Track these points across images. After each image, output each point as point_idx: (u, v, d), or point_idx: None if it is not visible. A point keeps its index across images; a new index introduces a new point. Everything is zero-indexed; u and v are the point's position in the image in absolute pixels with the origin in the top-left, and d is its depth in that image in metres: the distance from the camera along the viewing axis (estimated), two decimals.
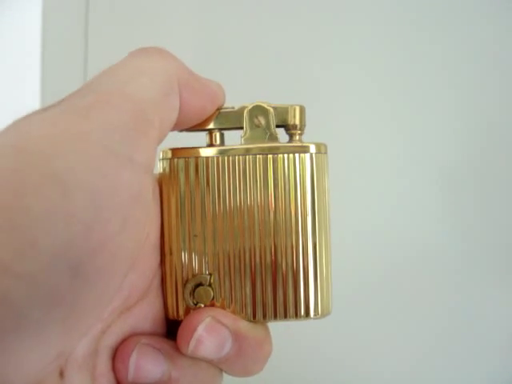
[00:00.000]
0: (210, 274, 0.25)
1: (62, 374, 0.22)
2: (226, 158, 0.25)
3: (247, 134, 0.25)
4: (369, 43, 0.53)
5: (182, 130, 0.26)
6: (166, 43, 0.25)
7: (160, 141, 0.23)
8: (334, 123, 0.51)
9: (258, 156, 0.24)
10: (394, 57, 0.52)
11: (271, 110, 0.25)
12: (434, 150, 0.52)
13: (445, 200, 0.52)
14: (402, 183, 0.52)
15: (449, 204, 0.52)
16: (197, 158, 0.25)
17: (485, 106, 0.52)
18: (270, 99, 0.26)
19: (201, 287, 0.24)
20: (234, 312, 0.24)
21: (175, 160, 0.25)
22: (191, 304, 0.25)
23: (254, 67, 0.53)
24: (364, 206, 0.52)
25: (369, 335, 0.52)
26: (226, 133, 0.26)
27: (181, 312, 0.25)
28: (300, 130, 0.25)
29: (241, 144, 0.25)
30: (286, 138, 0.26)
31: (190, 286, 0.25)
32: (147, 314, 0.25)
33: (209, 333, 0.23)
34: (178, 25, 0.54)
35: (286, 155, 0.24)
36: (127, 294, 0.24)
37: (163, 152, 0.25)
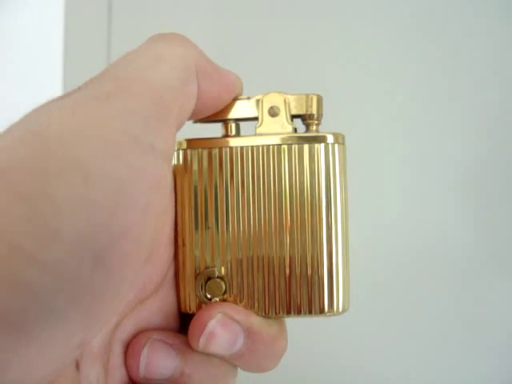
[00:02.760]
0: (222, 268, 0.24)
1: (77, 366, 0.22)
2: (239, 149, 0.24)
3: (262, 125, 0.24)
4: (388, 37, 0.52)
5: (197, 121, 0.25)
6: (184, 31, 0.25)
7: (178, 128, 0.22)
8: (350, 116, 0.51)
9: (271, 146, 0.24)
10: (413, 50, 0.52)
11: (287, 99, 0.24)
12: (450, 147, 0.51)
13: (460, 198, 0.51)
14: (416, 179, 0.51)
15: (464, 203, 0.51)
16: (211, 149, 0.24)
17: (503, 104, 0.50)
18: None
19: (212, 280, 0.24)
20: (246, 306, 0.24)
21: (190, 151, 0.24)
22: (203, 297, 0.24)
23: (269, 60, 0.53)
24: (377, 200, 0.51)
25: (373, 334, 0.52)
26: (242, 123, 0.25)
27: (193, 305, 0.24)
28: (317, 120, 0.24)
29: (255, 134, 0.24)
30: (303, 128, 0.25)
31: (201, 279, 0.24)
32: (161, 307, 0.25)
33: (220, 329, 0.23)
34: (193, 17, 0.55)
35: (301, 145, 0.24)
36: (141, 286, 0.24)
37: (178, 143, 0.25)
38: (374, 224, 0.51)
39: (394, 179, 0.51)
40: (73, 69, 0.53)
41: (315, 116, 0.24)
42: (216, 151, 0.24)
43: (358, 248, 0.48)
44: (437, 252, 0.51)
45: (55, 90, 0.52)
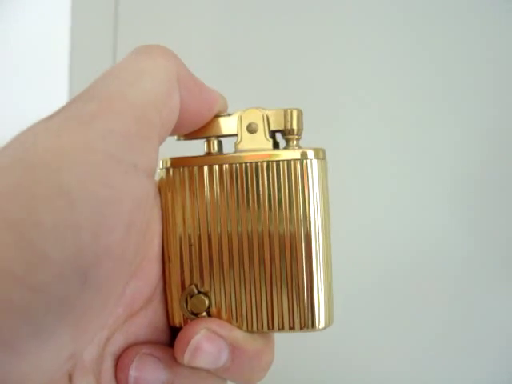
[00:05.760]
0: (206, 283, 0.24)
1: (70, 379, 0.22)
2: (217, 167, 0.24)
3: (241, 142, 0.25)
4: (382, 41, 0.52)
5: (180, 138, 0.26)
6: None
7: (162, 141, 0.23)
8: (350, 119, 0.51)
9: (249, 164, 0.24)
10: (408, 53, 0.51)
11: (265, 115, 0.24)
12: (449, 151, 0.50)
13: (459, 203, 0.50)
14: (414, 184, 0.51)
15: (462, 207, 0.50)
16: (192, 167, 0.25)
17: (501, 108, 0.50)
18: (277, 104, 0.25)
19: (195, 297, 0.24)
20: (230, 321, 0.24)
21: (173, 169, 0.25)
22: (188, 314, 0.25)
23: (258, 72, 0.54)
24: (374, 206, 0.51)
25: (372, 337, 0.52)
26: (228, 139, 0.26)
27: (180, 320, 0.25)
28: (297, 134, 0.24)
29: (235, 152, 0.25)
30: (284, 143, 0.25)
31: (185, 295, 0.24)
32: (151, 321, 0.25)
33: (204, 344, 0.23)
34: (198, 20, 0.56)
35: (278, 162, 0.24)
36: (131, 300, 0.24)
37: (163, 161, 0.25)
38: (372, 230, 0.51)
39: (390, 185, 0.51)
40: (79, 70, 0.54)
41: (295, 131, 0.24)
42: (196, 169, 0.24)
43: (355, 254, 0.48)
44: (435, 256, 0.51)
45: (61, 93, 0.53)
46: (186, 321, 0.25)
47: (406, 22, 0.51)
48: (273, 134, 0.25)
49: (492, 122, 0.50)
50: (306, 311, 0.23)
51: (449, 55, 0.50)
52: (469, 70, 0.50)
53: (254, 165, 0.24)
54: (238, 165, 0.24)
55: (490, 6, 0.49)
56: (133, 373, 0.24)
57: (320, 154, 0.24)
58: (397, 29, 0.51)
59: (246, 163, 0.24)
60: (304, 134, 0.25)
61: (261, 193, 0.24)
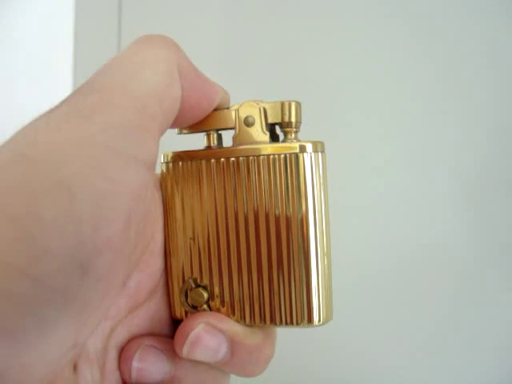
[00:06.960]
0: (205, 277, 0.24)
1: (75, 368, 0.23)
2: (215, 160, 0.24)
3: (238, 135, 0.24)
4: (383, 38, 0.51)
5: (182, 132, 0.26)
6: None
7: (163, 132, 0.23)
8: (351, 116, 0.51)
9: (246, 158, 0.24)
10: (410, 51, 0.50)
11: (261, 108, 0.24)
12: (449, 148, 0.49)
13: (459, 199, 0.50)
14: (415, 181, 0.50)
15: (462, 204, 0.49)
16: (192, 161, 0.25)
17: (501, 105, 0.48)
18: (280, 97, 0.25)
19: (193, 290, 0.24)
20: (229, 315, 0.24)
21: (174, 163, 0.25)
22: (188, 307, 0.25)
23: (261, 66, 0.53)
24: (368, 204, 0.51)
25: (372, 335, 0.51)
26: (228, 133, 0.26)
27: (182, 312, 0.25)
28: (295, 127, 0.24)
29: (233, 145, 0.24)
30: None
31: (184, 289, 0.25)
32: (154, 313, 0.26)
33: (202, 338, 0.23)
34: (202, 16, 0.56)
35: (276, 156, 0.23)
36: (134, 293, 0.24)
37: (164, 155, 0.25)
38: (371, 226, 0.51)
39: (390, 180, 0.51)
40: (83, 64, 0.54)
41: (293, 123, 0.24)
42: (195, 163, 0.24)
43: (355, 250, 0.48)
44: (435, 255, 0.50)
45: (65, 87, 0.53)
46: (186, 314, 0.25)
47: (407, 17, 0.50)
48: (272, 126, 0.25)
49: (493, 120, 0.48)
50: (303, 306, 0.23)
51: (450, 53, 0.49)
52: (471, 66, 0.49)
53: (250, 159, 0.23)
54: (234, 159, 0.24)
55: (490, 6, 0.48)
56: (135, 364, 0.24)
57: (319, 146, 0.23)
58: (398, 24, 0.51)
59: (242, 157, 0.24)
60: (304, 127, 0.25)
61: (257, 187, 0.23)
